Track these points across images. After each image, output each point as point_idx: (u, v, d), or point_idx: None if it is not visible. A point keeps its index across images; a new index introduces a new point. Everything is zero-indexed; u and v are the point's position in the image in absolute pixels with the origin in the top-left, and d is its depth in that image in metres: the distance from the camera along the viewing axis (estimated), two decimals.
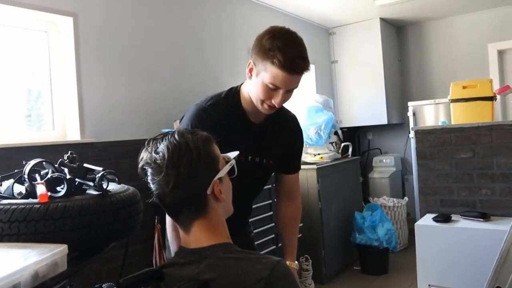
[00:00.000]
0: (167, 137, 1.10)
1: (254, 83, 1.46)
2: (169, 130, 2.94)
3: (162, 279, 1.21)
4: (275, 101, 1.46)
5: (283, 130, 1.67)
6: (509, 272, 1.70)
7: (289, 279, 1.03)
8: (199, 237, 1.11)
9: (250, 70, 1.46)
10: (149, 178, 1.10)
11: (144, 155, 1.13)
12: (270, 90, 1.43)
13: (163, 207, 1.12)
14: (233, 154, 1.20)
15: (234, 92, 1.58)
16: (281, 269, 1.02)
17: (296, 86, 1.48)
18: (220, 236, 1.12)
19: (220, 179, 1.13)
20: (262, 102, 1.47)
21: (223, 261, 1.06)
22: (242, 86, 1.58)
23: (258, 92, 1.45)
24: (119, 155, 2.81)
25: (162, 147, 1.08)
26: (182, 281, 1.07)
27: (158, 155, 1.07)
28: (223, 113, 1.51)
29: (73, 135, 2.69)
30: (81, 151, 2.56)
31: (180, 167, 1.05)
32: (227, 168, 1.15)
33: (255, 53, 1.43)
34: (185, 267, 1.10)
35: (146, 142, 1.14)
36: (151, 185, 1.11)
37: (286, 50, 1.37)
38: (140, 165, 1.13)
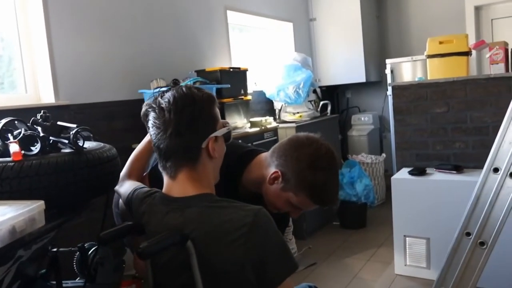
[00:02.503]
0: (174, 88, 1.17)
1: (276, 193, 1.35)
2: (145, 91, 2.92)
3: (143, 232, 1.23)
4: (292, 215, 1.41)
5: None
6: (478, 218, 1.78)
7: (270, 224, 1.07)
8: (185, 185, 1.14)
9: (274, 179, 1.34)
10: (150, 122, 1.15)
11: (149, 100, 1.18)
12: (291, 207, 1.37)
13: (156, 150, 1.16)
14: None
15: (245, 160, 1.43)
16: (263, 215, 1.06)
17: None
18: (205, 187, 1.16)
19: (216, 137, 1.17)
20: (276, 209, 1.39)
21: (208, 210, 1.09)
22: (254, 163, 1.43)
23: (275, 202, 1.37)
24: (95, 117, 2.77)
25: (168, 94, 1.15)
26: (166, 230, 1.09)
27: (163, 100, 1.13)
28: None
29: (47, 98, 2.63)
30: (57, 114, 2.51)
31: (182, 115, 1.11)
32: (224, 130, 1.20)
33: (289, 173, 1.31)
34: (169, 215, 1.13)
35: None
36: (150, 129, 1.16)
37: (327, 186, 1.32)
38: (144, 109, 1.19)
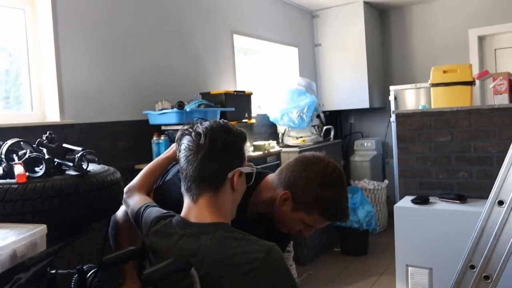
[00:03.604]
0: (212, 120, 1.24)
1: (287, 214, 1.35)
2: (149, 112, 2.93)
3: (146, 257, 1.22)
4: (304, 233, 1.41)
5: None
6: (483, 251, 1.75)
7: (281, 262, 1.08)
8: (203, 211, 1.16)
9: (284, 200, 1.34)
10: (183, 145, 1.19)
11: (186, 126, 1.23)
12: (303, 226, 1.37)
13: (182, 173, 1.19)
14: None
15: (255, 181, 1.38)
16: (275, 252, 1.07)
17: None
18: (223, 217, 1.17)
19: (240, 173, 1.20)
20: (288, 228, 1.40)
21: (223, 239, 1.09)
22: (262, 186, 1.42)
23: (288, 223, 1.38)
24: (100, 137, 2.78)
25: (207, 123, 1.21)
26: (178, 253, 1.10)
27: (202, 126, 1.19)
28: None
29: (53, 116, 2.65)
30: (61, 133, 2.53)
31: (216, 142, 1.16)
32: (248, 169, 1.24)
33: (300, 192, 1.32)
34: (183, 239, 1.13)
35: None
36: (181, 152, 1.20)
37: (339, 202, 1.34)
38: (180, 132, 1.23)
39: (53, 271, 1.59)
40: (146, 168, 1.53)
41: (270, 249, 1.06)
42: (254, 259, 1.03)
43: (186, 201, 1.20)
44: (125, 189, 1.46)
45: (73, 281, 1.57)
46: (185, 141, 1.20)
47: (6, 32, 2.52)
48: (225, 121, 1.24)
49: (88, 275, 1.58)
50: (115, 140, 2.88)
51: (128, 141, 2.94)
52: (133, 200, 1.39)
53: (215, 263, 1.06)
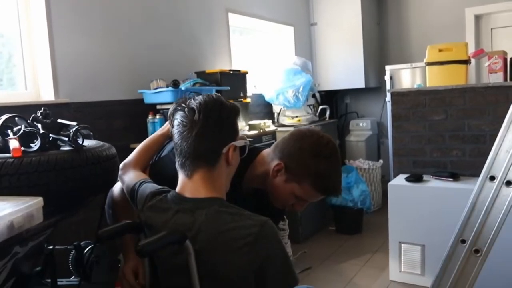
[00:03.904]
0: (205, 94, 1.23)
1: (279, 186, 1.36)
2: (144, 91, 2.92)
3: (141, 231, 1.24)
4: (296, 208, 1.41)
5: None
6: (474, 225, 1.78)
7: (275, 237, 1.10)
8: (198, 186, 1.16)
9: (277, 171, 1.35)
10: (176, 120, 1.19)
11: (179, 101, 1.22)
12: (295, 199, 1.37)
13: (177, 149, 1.19)
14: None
15: (247, 158, 1.38)
16: (269, 227, 1.08)
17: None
18: (217, 191, 1.18)
19: (234, 147, 1.21)
20: (279, 201, 1.40)
21: (217, 214, 1.10)
22: (257, 161, 1.43)
23: (280, 196, 1.38)
24: (95, 116, 2.77)
25: (200, 97, 1.20)
26: (173, 228, 1.11)
27: (195, 101, 1.18)
28: None
29: (47, 95, 2.63)
30: (56, 111, 2.50)
31: (210, 117, 1.16)
32: (242, 142, 1.24)
33: (293, 163, 1.33)
34: (179, 214, 1.15)
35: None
36: (175, 127, 1.19)
37: (331, 174, 1.33)
38: (172, 107, 1.22)
39: (50, 247, 1.61)
40: (141, 144, 1.53)
41: (264, 223, 1.07)
42: (248, 234, 1.04)
43: (181, 176, 1.21)
44: (121, 166, 1.46)
45: (70, 257, 1.59)
46: (178, 116, 1.19)
47: None
48: (217, 95, 1.24)
49: (85, 251, 1.60)
50: (110, 119, 2.88)
51: (123, 120, 2.94)
52: (128, 177, 1.40)
53: (210, 237, 1.07)
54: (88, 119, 2.70)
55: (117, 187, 1.51)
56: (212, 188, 1.17)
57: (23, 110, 2.32)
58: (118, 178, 1.45)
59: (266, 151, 1.44)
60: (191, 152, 1.16)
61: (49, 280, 1.58)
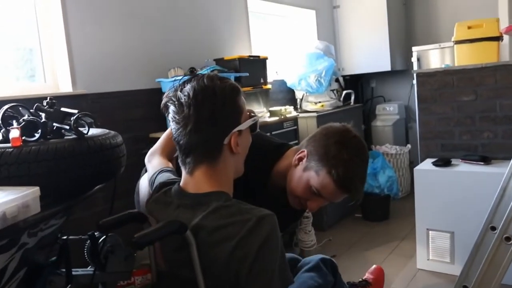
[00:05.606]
0: (196, 79, 1.10)
1: (297, 175, 1.31)
2: (162, 80, 2.89)
3: (145, 220, 1.20)
4: (310, 206, 1.33)
5: None
6: (504, 212, 1.68)
7: (272, 234, 0.99)
8: (200, 182, 1.10)
9: (300, 159, 1.30)
10: (170, 115, 1.10)
11: (169, 92, 1.12)
12: (310, 193, 1.30)
13: (177, 145, 1.12)
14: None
15: (274, 155, 1.38)
16: (267, 222, 0.99)
17: (338, 201, 1.33)
18: (221, 185, 1.11)
19: (239, 131, 1.11)
20: (295, 196, 1.33)
21: (217, 210, 1.04)
22: (285, 157, 1.39)
23: (296, 187, 1.31)
24: (113, 106, 2.76)
25: (188, 87, 1.08)
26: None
27: (183, 94, 1.07)
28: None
29: (65, 87, 2.64)
30: (74, 103, 2.52)
31: (202, 110, 1.05)
32: (249, 122, 1.14)
33: (315, 148, 1.28)
34: (180, 209, 1.10)
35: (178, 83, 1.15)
36: (170, 123, 1.12)
37: (350, 166, 1.25)
38: (163, 101, 1.13)
39: (64, 237, 1.61)
40: (167, 131, 1.48)
41: (261, 217, 0.99)
42: (243, 228, 0.98)
43: (183, 173, 1.15)
44: (148, 153, 1.42)
45: (85, 247, 1.58)
46: (171, 111, 1.10)
47: (15, 7, 2.50)
48: (210, 76, 1.11)
49: (100, 240, 1.59)
50: (129, 109, 2.87)
51: (141, 110, 2.92)
52: (151, 165, 1.36)
53: (208, 233, 1.02)
54: (106, 109, 2.70)
55: (145, 175, 1.48)
56: (215, 183, 1.10)
57: (41, 103, 2.34)
58: (146, 166, 1.42)
59: (295, 147, 1.40)
60: (190, 149, 1.09)
61: (64, 270, 1.58)
